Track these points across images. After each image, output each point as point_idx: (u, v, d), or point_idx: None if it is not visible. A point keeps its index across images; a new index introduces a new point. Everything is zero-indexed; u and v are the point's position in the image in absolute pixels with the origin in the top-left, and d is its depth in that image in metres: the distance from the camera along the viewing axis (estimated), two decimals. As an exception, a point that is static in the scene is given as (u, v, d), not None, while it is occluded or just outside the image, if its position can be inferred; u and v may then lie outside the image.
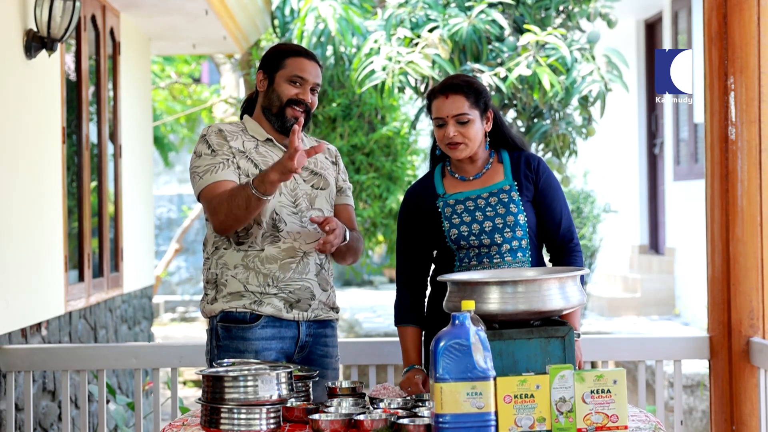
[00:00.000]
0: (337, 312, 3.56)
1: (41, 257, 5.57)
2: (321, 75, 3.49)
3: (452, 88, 3.36)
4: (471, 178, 3.46)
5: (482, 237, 3.37)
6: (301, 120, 3.25)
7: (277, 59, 3.44)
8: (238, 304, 3.38)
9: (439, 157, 3.55)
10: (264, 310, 3.37)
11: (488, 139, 3.45)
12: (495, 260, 3.37)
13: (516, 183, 3.41)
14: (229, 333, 3.39)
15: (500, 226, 3.36)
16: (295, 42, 7.92)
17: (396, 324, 3.49)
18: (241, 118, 3.58)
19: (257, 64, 3.63)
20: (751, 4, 4.21)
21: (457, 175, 3.48)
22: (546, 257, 3.62)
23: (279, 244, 3.39)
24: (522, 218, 3.37)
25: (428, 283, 3.55)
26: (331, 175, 3.54)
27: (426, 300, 3.53)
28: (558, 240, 3.44)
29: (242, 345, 3.36)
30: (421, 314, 3.50)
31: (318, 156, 3.53)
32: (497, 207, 3.38)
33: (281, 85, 3.42)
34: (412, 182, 9.11)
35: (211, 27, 8.05)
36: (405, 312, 3.48)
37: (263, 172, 3.26)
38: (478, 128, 3.38)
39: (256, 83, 3.50)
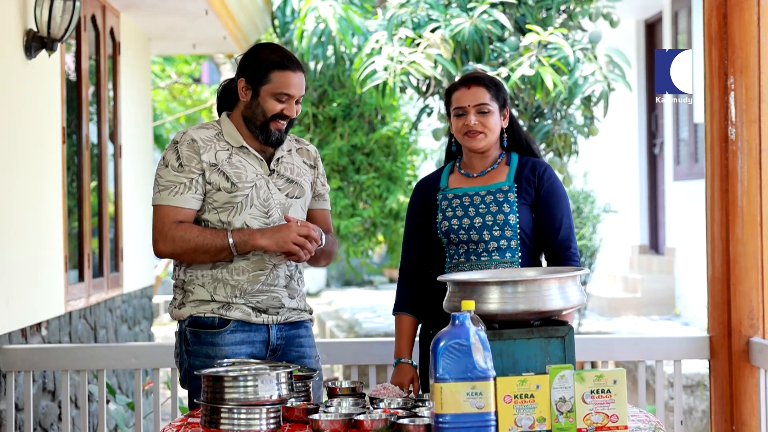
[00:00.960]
0: (311, 313, 3.52)
1: (41, 257, 5.57)
2: (305, 81, 3.40)
3: (474, 80, 3.47)
4: (475, 174, 3.51)
5: (471, 232, 3.41)
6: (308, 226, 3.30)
7: (262, 71, 3.32)
8: (206, 309, 3.35)
9: (453, 153, 3.60)
10: (232, 315, 3.34)
11: (505, 135, 3.51)
12: (483, 258, 3.40)
13: (516, 185, 3.45)
14: (198, 338, 3.36)
15: (490, 223, 3.40)
16: (296, 43, 7.92)
17: (393, 312, 3.56)
18: (219, 111, 3.48)
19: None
20: (751, 4, 4.21)
21: (463, 171, 3.53)
22: (544, 263, 3.63)
23: (249, 256, 3.34)
24: (513, 218, 3.39)
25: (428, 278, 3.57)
26: (307, 182, 3.47)
27: (427, 293, 3.56)
28: (555, 247, 3.46)
29: (212, 350, 3.32)
30: (419, 305, 3.55)
31: (296, 161, 3.47)
32: (490, 205, 3.42)
33: (266, 101, 3.32)
34: (413, 182, 9.17)
35: (211, 27, 8.05)
36: (402, 300, 3.56)
37: (251, 232, 3.28)
38: (497, 121, 3.46)
39: (238, 90, 3.38)
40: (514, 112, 7.22)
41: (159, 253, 3.36)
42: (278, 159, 3.42)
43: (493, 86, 3.46)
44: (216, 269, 3.34)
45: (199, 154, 3.32)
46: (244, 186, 3.33)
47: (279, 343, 3.41)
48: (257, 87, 3.33)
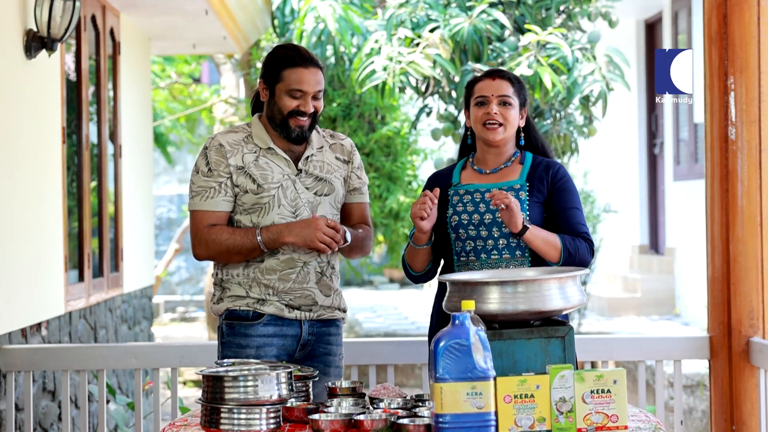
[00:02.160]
0: (344, 311, 3.58)
1: (41, 257, 5.57)
2: (323, 78, 3.45)
3: (499, 73, 3.52)
4: (488, 171, 3.52)
5: (480, 228, 3.40)
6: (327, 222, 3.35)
7: (276, 71, 3.41)
8: (241, 303, 3.44)
9: (468, 147, 3.61)
10: (266, 309, 3.42)
11: (522, 134, 3.54)
12: (492, 255, 3.40)
13: (528, 184, 3.45)
14: (232, 330, 3.45)
15: (500, 220, 3.39)
16: (295, 42, 7.91)
17: (410, 264, 3.52)
18: (253, 113, 3.58)
19: (257, 65, 3.65)
20: (751, 4, 4.21)
21: (476, 167, 3.54)
22: None
23: (278, 256, 3.42)
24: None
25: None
26: (338, 178, 3.52)
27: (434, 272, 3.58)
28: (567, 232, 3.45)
29: (244, 341, 3.42)
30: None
31: (327, 158, 3.52)
32: None
33: (281, 98, 3.40)
34: (413, 182, 9.17)
35: (211, 27, 8.05)
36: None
37: (279, 229, 3.36)
38: (516, 115, 3.49)
39: (260, 92, 3.48)
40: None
41: (196, 256, 3.49)
42: (307, 158, 3.47)
43: (516, 83, 3.51)
44: (249, 269, 3.43)
45: (227, 158, 3.42)
46: (270, 187, 3.40)
47: (309, 338, 3.47)
48: (273, 86, 3.43)
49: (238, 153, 3.43)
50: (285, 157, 3.44)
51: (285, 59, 3.41)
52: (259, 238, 3.36)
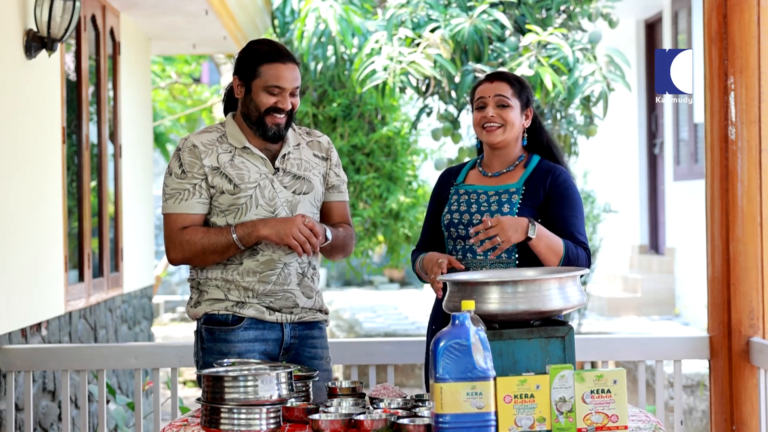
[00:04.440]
0: (326, 314, 3.51)
1: (41, 257, 5.57)
2: (299, 74, 3.36)
3: (498, 75, 3.52)
4: (491, 174, 3.51)
5: (469, 228, 3.41)
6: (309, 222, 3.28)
7: (252, 66, 3.31)
8: (220, 307, 3.36)
9: (480, 150, 3.63)
10: (246, 313, 3.34)
11: (526, 135, 3.52)
12: (479, 256, 3.39)
13: (524, 188, 3.43)
14: (212, 335, 3.36)
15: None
16: (296, 43, 7.92)
17: (417, 266, 3.52)
18: (225, 112, 3.49)
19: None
20: (751, 4, 4.21)
21: (481, 169, 3.54)
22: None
23: (257, 257, 3.34)
24: None
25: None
26: (316, 176, 3.44)
27: None
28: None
29: (225, 347, 3.33)
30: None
31: (304, 155, 3.44)
32: (492, 204, 3.43)
33: (258, 95, 3.31)
34: (413, 182, 9.18)
35: (211, 27, 8.06)
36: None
37: (254, 223, 3.28)
38: (516, 116, 3.47)
39: (234, 88, 3.38)
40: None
41: (171, 261, 3.38)
42: (284, 156, 3.40)
43: (517, 84, 3.49)
44: (227, 272, 3.35)
45: (201, 159, 3.33)
46: (247, 187, 3.32)
47: (292, 341, 3.41)
48: (249, 82, 3.33)
49: (213, 153, 3.34)
50: (261, 155, 3.36)
51: (262, 54, 3.32)
52: (234, 235, 3.27)
